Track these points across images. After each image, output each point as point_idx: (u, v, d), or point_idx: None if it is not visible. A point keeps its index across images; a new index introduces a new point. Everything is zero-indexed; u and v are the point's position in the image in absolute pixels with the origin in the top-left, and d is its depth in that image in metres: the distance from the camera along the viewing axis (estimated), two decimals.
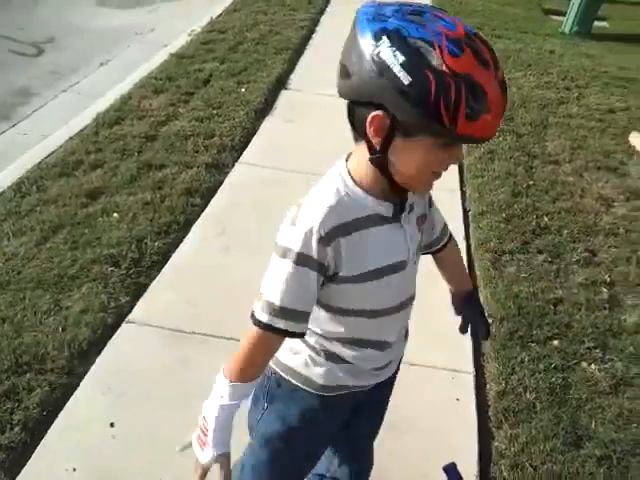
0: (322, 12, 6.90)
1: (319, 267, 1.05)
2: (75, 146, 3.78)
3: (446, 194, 3.57)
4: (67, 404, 2.12)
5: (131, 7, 7.36)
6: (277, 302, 1.06)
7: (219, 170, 3.61)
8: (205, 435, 1.12)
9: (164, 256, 2.86)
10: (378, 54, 0.91)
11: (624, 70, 6.03)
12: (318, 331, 1.20)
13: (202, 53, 5.31)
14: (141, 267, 2.77)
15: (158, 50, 5.69)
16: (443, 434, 2.10)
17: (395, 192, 1.07)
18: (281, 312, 1.06)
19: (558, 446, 2.04)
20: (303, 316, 1.09)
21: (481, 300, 2.69)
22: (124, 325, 2.44)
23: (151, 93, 4.54)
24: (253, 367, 1.14)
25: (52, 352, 2.30)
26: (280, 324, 1.07)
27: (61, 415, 2.08)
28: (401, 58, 0.90)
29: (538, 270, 2.88)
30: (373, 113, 0.95)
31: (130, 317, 2.48)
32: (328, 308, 1.16)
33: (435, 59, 0.89)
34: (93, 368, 2.27)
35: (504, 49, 6.32)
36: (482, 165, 3.86)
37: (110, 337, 2.40)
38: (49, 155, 3.71)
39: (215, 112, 4.24)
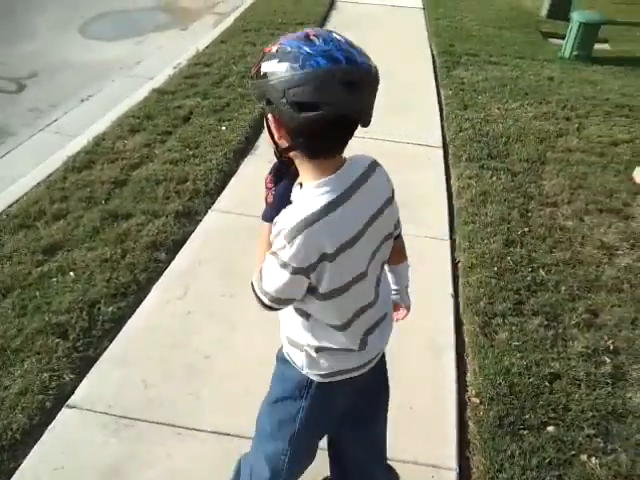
0: None
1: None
2: (40, 194, 3.55)
3: (434, 243, 3.32)
4: None
5: (119, 39, 7.21)
6: (274, 294, 1.32)
7: (189, 219, 3.37)
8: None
9: (118, 323, 2.61)
10: None
11: (627, 97, 5.78)
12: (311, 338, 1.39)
13: (185, 88, 5.11)
14: (91, 337, 2.51)
15: (143, 84, 5.50)
16: None
17: None
18: (276, 299, 1.33)
19: None
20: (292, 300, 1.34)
21: (468, 374, 2.44)
22: (64, 410, 2.18)
23: (127, 132, 4.33)
24: None
25: None
26: (275, 305, 1.34)
27: None
28: None
29: (533, 337, 2.60)
30: None
31: (72, 400, 2.22)
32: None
33: None
34: (24, 464, 2.01)
35: (501, 77, 6.10)
36: (474, 209, 3.59)
37: (48, 425, 2.13)
38: (12, 204, 3.48)
39: (191, 153, 4.01)
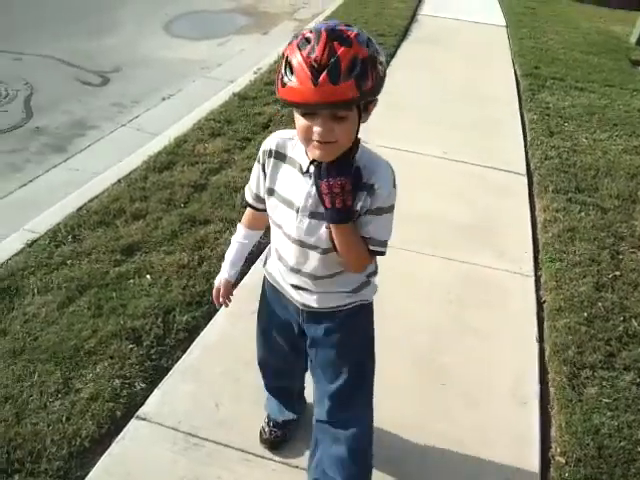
0: (392, 55, 6.63)
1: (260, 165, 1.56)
2: (120, 191, 3.58)
3: (519, 279, 3.15)
4: None
5: (201, 39, 7.31)
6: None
7: (265, 231, 3.31)
8: None
9: (191, 334, 2.57)
10: None
11: None
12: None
13: (264, 94, 5.10)
14: (164, 346, 2.48)
15: (223, 87, 5.54)
16: None
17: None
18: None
19: None
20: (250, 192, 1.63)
21: (553, 428, 2.28)
22: (134, 421, 2.14)
23: (207, 136, 4.33)
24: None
25: (50, 448, 2.03)
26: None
27: None
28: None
29: (625, 395, 2.41)
30: None
31: (142, 411, 2.18)
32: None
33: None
34: (91, 474, 1.98)
35: (588, 104, 5.82)
36: (560, 246, 3.40)
37: (117, 434, 2.11)
38: (92, 199, 3.52)
39: None
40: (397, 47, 6.88)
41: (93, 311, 2.63)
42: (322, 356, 1.70)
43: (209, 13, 8.58)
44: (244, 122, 4.57)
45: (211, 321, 2.64)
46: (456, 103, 5.54)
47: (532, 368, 2.55)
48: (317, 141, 1.29)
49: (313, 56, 1.19)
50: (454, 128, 4.96)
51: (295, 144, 1.46)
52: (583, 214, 3.76)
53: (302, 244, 1.51)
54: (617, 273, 3.21)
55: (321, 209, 1.40)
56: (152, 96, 5.56)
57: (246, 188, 1.65)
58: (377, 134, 4.60)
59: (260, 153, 1.53)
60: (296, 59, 1.21)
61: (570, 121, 5.33)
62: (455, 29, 8.13)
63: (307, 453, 1.94)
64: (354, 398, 1.69)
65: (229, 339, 2.55)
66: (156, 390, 2.28)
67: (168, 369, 2.38)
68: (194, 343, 2.52)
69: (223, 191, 3.63)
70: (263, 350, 1.96)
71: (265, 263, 1.76)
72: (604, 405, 2.35)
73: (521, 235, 3.57)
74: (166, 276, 2.87)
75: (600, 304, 2.93)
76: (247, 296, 2.73)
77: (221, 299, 1.84)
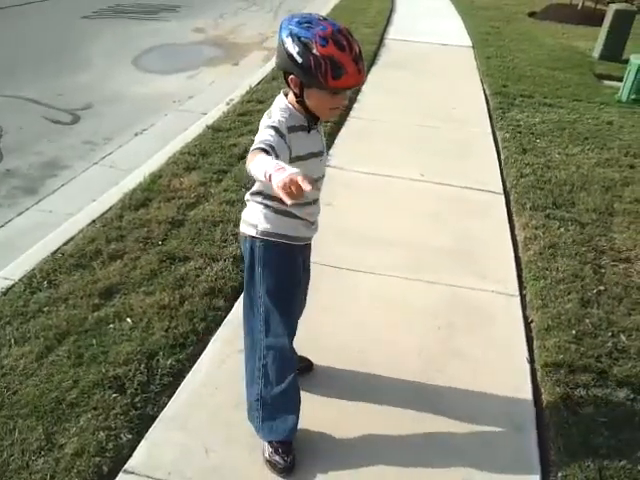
0: (368, 71, 6.67)
1: (281, 136, 1.73)
2: (96, 232, 3.50)
3: (503, 299, 3.14)
4: None
5: (171, 72, 7.31)
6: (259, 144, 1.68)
7: None
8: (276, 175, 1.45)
9: (177, 378, 2.49)
10: (287, 48, 1.67)
11: None
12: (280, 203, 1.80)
13: (238, 125, 5.09)
14: (149, 393, 2.39)
15: (196, 120, 5.51)
16: None
17: (311, 115, 1.82)
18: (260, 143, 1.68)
19: None
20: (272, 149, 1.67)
21: (552, 452, 2.24)
22: (121, 475, 2.05)
23: (183, 170, 4.29)
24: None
25: None
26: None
27: None
28: (297, 49, 1.65)
29: (620, 413, 2.38)
30: (291, 76, 1.71)
31: (129, 464, 2.09)
32: None
33: (314, 49, 1.63)
34: None
35: (558, 120, 5.93)
36: (543, 263, 3.41)
37: None
38: (67, 242, 3.43)
39: None
40: (367, 72, 6.93)
41: (73, 360, 2.53)
42: (307, 275, 2.24)
43: (178, 46, 8.61)
44: (219, 154, 4.54)
45: (196, 363, 2.56)
46: (428, 125, 5.60)
47: (525, 390, 2.52)
48: (339, 108, 1.83)
49: (354, 53, 1.66)
50: (428, 150, 4.99)
51: (289, 116, 1.78)
52: (562, 230, 3.78)
53: (324, 175, 2.00)
54: (601, 288, 3.22)
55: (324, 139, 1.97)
56: (125, 132, 5.51)
57: (258, 144, 1.65)
58: (352, 159, 4.62)
59: (282, 125, 1.74)
60: (344, 58, 1.64)
61: (542, 137, 5.42)
62: (423, 52, 8.27)
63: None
64: None
65: (216, 381, 2.47)
66: (143, 441, 2.19)
67: (154, 417, 2.30)
68: (180, 387, 2.44)
69: (201, 226, 3.57)
70: (294, 312, 2.11)
71: (286, 238, 1.94)
72: (600, 424, 2.32)
73: (503, 254, 3.57)
74: (147, 318, 2.79)
75: (587, 320, 2.93)
76: (231, 335, 2.69)
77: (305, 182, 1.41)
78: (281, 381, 2.03)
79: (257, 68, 7.22)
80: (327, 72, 1.63)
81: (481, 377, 2.59)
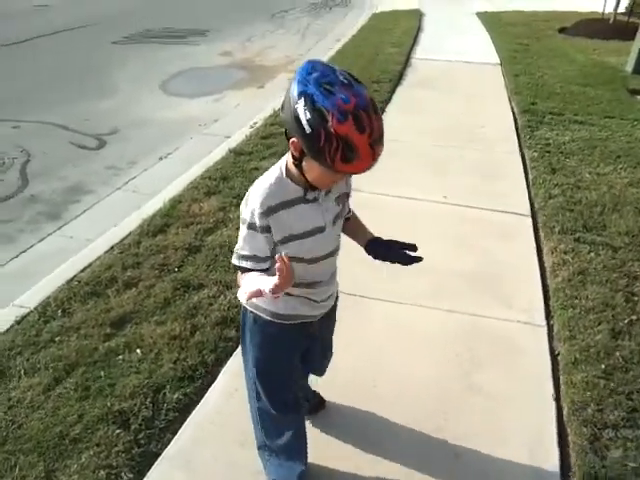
0: (388, 101, 6.61)
1: (262, 229, 1.55)
2: (113, 259, 3.49)
3: (530, 330, 2.98)
4: None
5: (198, 96, 7.36)
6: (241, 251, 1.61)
7: None
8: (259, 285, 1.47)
9: (183, 413, 2.42)
10: (296, 108, 1.37)
11: None
12: None
13: (261, 149, 5.06)
14: (153, 429, 2.33)
15: (220, 143, 5.51)
16: None
17: (310, 185, 1.54)
18: (243, 257, 1.61)
19: None
20: (257, 259, 1.59)
21: None
22: None
23: (203, 195, 4.27)
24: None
25: None
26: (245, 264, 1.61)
27: None
28: (308, 115, 1.35)
29: None
30: (293, 138, 1.43)
31: None
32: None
33: (329, 122, 1.33)
34: None
35: (589, 138, 5.73)
36: (571, 291, 3.24)
37: None
38: (84, 269, 3.43)
39: None
40: (392, 92, 6.87)
41: (80, 393, 2.49)
42: (327, 340, 2.07)
43: (205, 70, 8.70)
44: (240, 178, 4.51)
45: (204, 397, 2.49)
46: (454, 145, 5.47)
47: (550, 431, 2.36)
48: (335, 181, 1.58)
49: (374, 137, 1.38)
50: (453, 171, 4.87)
51: (280, 187, 1.55)
52: (593, 254, 3.60)
53: (335, 250, 1.73)
54: (633, 317, 3.03)
55: (335, 207, 1.67)
56: (149, 156, 5.54)
57: (242, 258, 1.61)
58: (375, 181, 4.52)
59: (256, 218, 1.53)
60: (361, 141, 1.36)
61: (572, 156, 5.23)
62: (449, 70, 8.16)
63: None
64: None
65: (223, 417, 2.39)
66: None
67: (157, 454, 2.23)
68: (185, 423, 2.37)
69: (218, 252, 3.53)
70: (292, 386, 1.94)
71: (277, 317, 1.75)
72: (631, 471, 2.16)
73: (529, 281, 3.41)
74: (157, 349, 2.74)
75: (618, 353, 2.75)
76: (241, 367, 2.60)
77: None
78: (280, 435, 1.96)
79: (282, 91, 7.07)
80: (337, 153, 1.35)
81: (502, 414, 2.45)
